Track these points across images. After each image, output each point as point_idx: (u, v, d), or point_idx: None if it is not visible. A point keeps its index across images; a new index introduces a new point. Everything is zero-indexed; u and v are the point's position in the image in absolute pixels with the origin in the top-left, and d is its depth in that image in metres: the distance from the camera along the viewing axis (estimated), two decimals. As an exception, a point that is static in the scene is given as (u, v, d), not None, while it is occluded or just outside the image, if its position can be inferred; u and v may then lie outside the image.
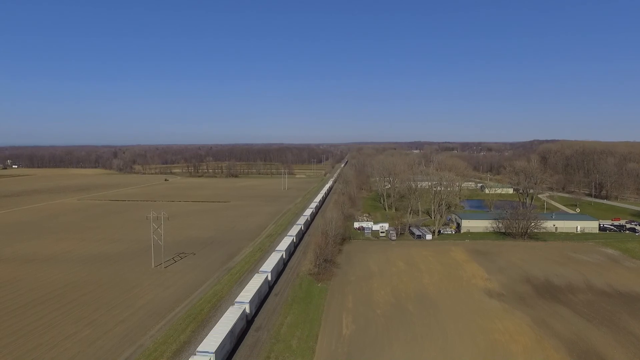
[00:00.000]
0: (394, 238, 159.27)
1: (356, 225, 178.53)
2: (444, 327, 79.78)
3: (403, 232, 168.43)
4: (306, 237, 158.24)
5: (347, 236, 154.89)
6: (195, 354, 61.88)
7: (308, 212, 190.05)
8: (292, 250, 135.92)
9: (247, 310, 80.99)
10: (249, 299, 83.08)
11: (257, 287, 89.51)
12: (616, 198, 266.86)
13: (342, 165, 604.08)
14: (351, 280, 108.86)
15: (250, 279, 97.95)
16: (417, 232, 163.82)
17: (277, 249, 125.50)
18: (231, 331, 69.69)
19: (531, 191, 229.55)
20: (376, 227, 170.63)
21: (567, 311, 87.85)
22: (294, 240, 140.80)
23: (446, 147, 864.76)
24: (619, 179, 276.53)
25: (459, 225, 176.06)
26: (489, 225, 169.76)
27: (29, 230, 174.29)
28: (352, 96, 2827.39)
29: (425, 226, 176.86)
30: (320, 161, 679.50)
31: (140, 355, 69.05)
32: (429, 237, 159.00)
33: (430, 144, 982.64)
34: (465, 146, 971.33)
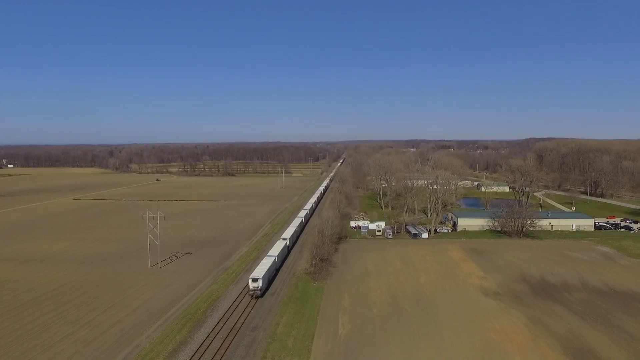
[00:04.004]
0: (390, 237, 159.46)
1: (352, 224, 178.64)
2: (441, 326, 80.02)
3: (399, 230, 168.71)
4: (303, 236, 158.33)
5: (343, 235, 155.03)
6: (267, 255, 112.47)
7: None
8: (298, 233, 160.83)
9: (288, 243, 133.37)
10: (280, 247, 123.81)
11: (280, 248, 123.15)
12: (611, 196, 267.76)
13: (339, 163, 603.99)
14: (348, 280, 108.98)
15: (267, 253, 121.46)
16: (413, 231, 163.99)
17: (292, 224, 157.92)
18: (285, 246, 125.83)
19: (527, 189, 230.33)
20: (373, 226, 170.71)
21: (563, 310, 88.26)
22: (303, 221, 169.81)
23: (443, 145, 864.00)
24: (614, 177, 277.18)
25: (455, 224, 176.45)
26: (485, 224, 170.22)
27: (25, 230, 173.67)
28: (349, 94, 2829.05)
29: (421, 225, 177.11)
30: (317, 160, 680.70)
31: (136, 356, 68.97)
32: (425, 235, 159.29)
33: (427, 142, 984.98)
34: (461, 144, 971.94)
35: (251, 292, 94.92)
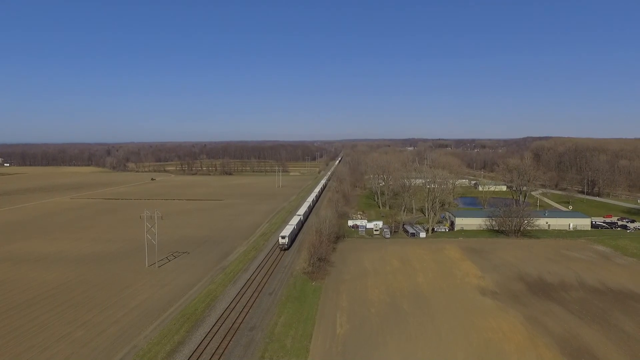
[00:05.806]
0: (388, 236, 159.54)
1: (350, 223, 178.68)
2: (438, 325, 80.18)
3: (397, 230, 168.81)
4: (300, 235, 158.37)
5: (341, 234, 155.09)
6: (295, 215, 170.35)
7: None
8: (308, 213, 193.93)
9: (302, 218, 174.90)
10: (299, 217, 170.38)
11: (297, 221, 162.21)
12: (608, 195, 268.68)
13: (337, 162, 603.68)
14: (345, 279, 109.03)
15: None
16: (411, 230, 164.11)
17: (303, 205, 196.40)
18: (300, 220, 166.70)
19: (524, 188, 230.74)
20: (370, 225, 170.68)
21: (560, 309, 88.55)
22: (311, 205, 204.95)
23: (440, 144, 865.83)
24: (611, 176, 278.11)
25: (452, 223, 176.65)
26: (483, 223, 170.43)
27: (21, 230, 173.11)
28: (346, 93, 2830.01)
29: (419, 224, 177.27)
30: (314, 158, 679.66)
31: (134, 356, 68.86)
32: (422, 235, 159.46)
33: (424, 140, 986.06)
34: (459, 143, 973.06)
35: (280, 246, 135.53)
